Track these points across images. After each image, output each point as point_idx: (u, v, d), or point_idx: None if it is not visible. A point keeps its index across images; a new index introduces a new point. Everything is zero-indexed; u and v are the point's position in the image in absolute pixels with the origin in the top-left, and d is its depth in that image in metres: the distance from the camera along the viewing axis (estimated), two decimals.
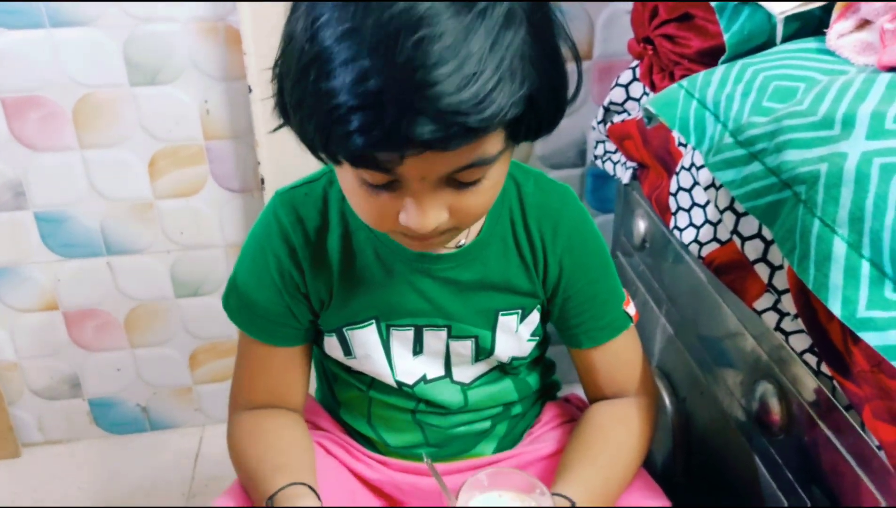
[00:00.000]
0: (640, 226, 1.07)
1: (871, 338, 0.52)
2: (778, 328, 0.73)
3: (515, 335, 0.77)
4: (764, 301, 0.74)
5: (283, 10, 0.57)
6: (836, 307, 0.54)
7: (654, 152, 0.95)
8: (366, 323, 0.75)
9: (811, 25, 0.79)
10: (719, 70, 0.76)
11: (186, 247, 1.36)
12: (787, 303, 0.68)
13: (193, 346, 1.46)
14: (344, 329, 0.75)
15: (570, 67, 0.59)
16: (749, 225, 0.72)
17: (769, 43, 0.80)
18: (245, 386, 0.79)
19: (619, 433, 0.76)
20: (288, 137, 0.60)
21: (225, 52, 1.20)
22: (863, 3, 0.71)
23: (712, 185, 0.77)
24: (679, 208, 0.87)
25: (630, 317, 0.78)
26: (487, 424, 0.82)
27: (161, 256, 1.36)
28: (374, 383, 0.79)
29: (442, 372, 0.78)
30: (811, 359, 0.69)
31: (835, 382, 0.65)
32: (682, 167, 0.86)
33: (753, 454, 0.80)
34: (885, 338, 0.52)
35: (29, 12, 1.13)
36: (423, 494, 0.80)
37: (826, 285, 0.55)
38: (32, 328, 1.39)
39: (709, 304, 0.88)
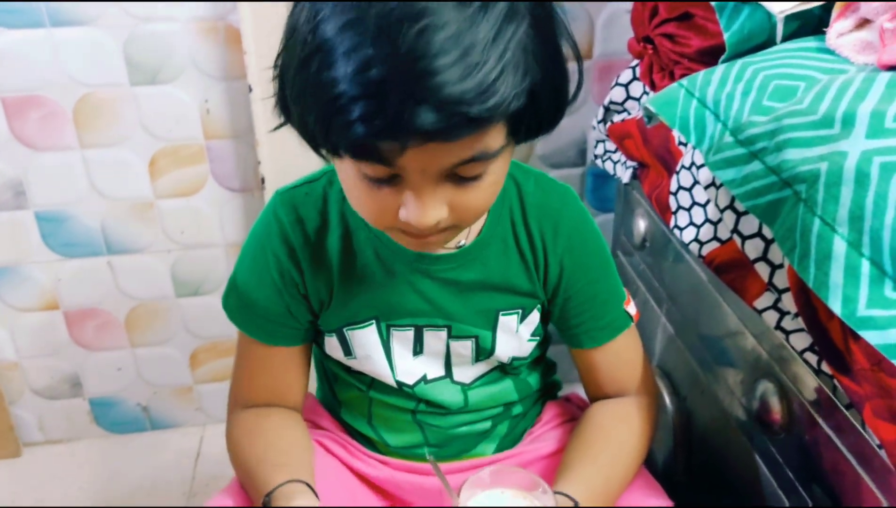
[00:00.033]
0: (641, 225, 1.07)
1: (871, 337, 0.52)
2: (778, 326, 0.73)
3: (516, 335, 0.77)
4: (764, 300, 0.74)
5: (283, 9, 0.57)
6: (836, 306, 0.54)
7: (654, 151, 0.95)
8: (366, 323, 0.75)
9: (811, 25, 0.80)
10: (719, 69, 0.76)
11: (187, 246, 1.36)
12: (788, 302, 0.68)
13: (194, 345, 1.46)
14: (344, 329, 0.75)
15: (571, 66, 0.59)
16: (749, 224, 0.72)
17: (769, 42, 0.80)
18: (244, 386, 0.79)
19: (620, 432, 0.76)
20: (288, 136, 0.60)
21: (225, 51, 1.20)
22: (862, 3, 0.71)
23: (712, 184, 0.77)
24: (679, 207, 0.87)
25: (631, 317, 0.78)
26: (488, 424, 0.82)
27: (161, 255, 1.36)
28: (374, 383, 0.79)
29: (442, 372, 0.78)
30: (811, 358, 0.69)
31: (835, 380, 0.65)
32: (683, 166, 0.86)
33: (754, 453, 0.80)
34: (885, 337, 0.52)
35: (29, 12, 1.13)
36: (424, 492, 0.80)
37: (826, 283, 0.55)
38: (33, 327, 1.39)
39: (709, 303, 0.88)
